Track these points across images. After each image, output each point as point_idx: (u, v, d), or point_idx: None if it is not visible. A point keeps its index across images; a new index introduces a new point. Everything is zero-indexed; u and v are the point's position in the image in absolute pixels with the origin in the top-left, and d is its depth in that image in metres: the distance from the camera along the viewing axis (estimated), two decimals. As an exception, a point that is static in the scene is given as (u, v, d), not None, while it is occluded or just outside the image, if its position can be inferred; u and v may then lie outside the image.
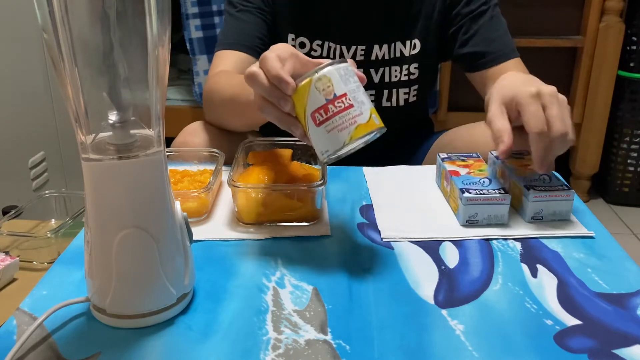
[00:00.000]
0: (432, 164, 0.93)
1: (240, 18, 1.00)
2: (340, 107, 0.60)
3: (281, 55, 0.63)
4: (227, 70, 0.95)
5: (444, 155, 0.82)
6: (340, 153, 0.62)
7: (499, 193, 0.71)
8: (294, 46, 1.03)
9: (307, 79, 0.60)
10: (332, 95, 0.60)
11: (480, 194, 0.71)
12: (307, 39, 1.02)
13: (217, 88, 0.92)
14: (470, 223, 0.72)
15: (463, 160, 0.81)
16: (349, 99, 0.60)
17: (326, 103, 0.60)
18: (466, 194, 0.71)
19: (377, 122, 0.61)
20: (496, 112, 0.73)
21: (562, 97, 0.71)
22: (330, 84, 0.60)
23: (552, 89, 0.71)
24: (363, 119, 0.60)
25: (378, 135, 0.63)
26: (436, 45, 1.05)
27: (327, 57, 1.03)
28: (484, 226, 0.72)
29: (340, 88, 0.60)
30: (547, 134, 0.68)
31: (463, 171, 0.77)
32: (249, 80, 0.64)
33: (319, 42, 1.02)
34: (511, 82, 0.78)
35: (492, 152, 0.80)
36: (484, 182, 0.74)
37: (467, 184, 0.74)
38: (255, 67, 0.64)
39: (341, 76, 0.60)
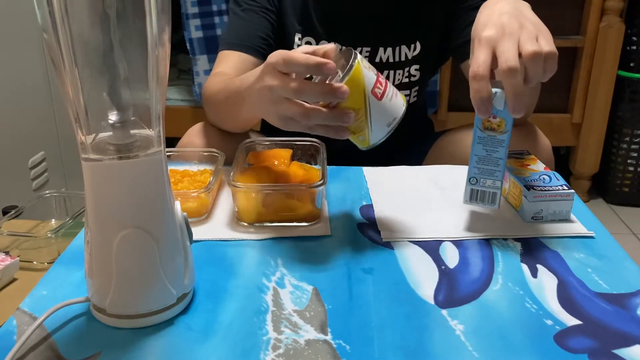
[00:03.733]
0: (432, 164, 0.93)
1: (245, 17, 1.00)
2: (383, 78, 0.64)
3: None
4: (225, 72, 0.95)
5: None
6: (402, 117, 0.65)
7: (563, 189, 0.72)
8: (300, 45, 1.03)
9: (355, 63, 0.62)
10: (374, 70, 0.64)
11: (545, 190, 0.72)
12: (313, 39, 1.02)
13: (211, 92, 0.93)
14: (535, 220, 0.73)
15: (517, 159, 0.81)
16: (380, 74, 0.65)
17: (377, 77, 0.63)
18: (532, 191, 0.72)
19: None
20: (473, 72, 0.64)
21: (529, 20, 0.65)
22: (368, 63, 0.64)
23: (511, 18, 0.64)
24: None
25: None
26: (437, 46, 1.05)
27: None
28: (548, 222, 0.73)
29: (372, 66, 0.64)
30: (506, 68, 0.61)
31: (521, 169, 0.77)
32: (299, 96, 0.63)
33: (325, 42, 1.02)
34: (481, 22, 0.69)
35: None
36: (544, 178, 0.74)
37: (528, 180, 0.74)
38: (294, 82, 0.62)
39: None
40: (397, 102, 0.64)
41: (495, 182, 0.69)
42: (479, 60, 0.63)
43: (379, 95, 0.63)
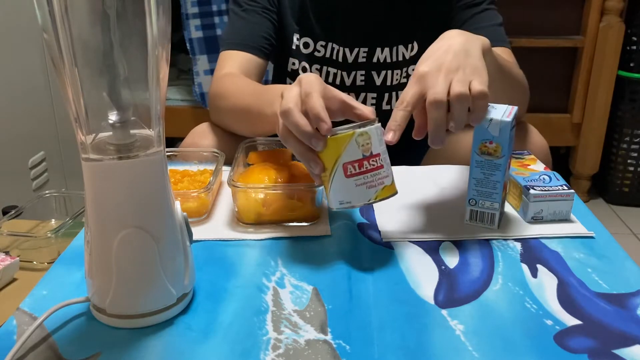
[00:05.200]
0: (431, 165, 0.93)
1: (246, 18, 1.00)
2: (373, 165, 0.63)
3: (322, 94, 0.63)
4: (234, 72, 0.95)
5: None
6: (359, 207, 0.63)
7: (563, 189, 0.72)
8: (298, 46, 1.03)
9: (350, 131, 0.61)
10: (369, 152, 0.62)
11: (545, 190, 0.72)
12: (311, 40, 1.02)
13: (225, 94, 0.92)
14: (535, 220, 0.73)
15: (518, 159, 0.81)
16: (381, 160, 0.63)
17: (362, 158, 0.62)
18: (532, 191, 0.72)
19: (396, 186, 0.65)
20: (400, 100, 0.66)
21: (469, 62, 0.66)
22: (369, 142, 0.62)
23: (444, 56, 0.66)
24: (388, 181, 0.64)
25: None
26: None
27: (330, 57, 1.03)
28: (548, 222, 0.73)
29: (376, 148, 0.63)
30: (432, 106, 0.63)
31: (520, 169, 0.77)
32: (283, 116, 0.63)
33: (323, 43, 1.02)
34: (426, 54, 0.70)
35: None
36: (544, 178, 0.74)
37: (528, 180, 0.74)
38: (291, 104, 0.63)
39: (378, 136, 0.63)
40: (364, 192, 0.63)
41: (493, 203, 0.70)
42: (407, 93, 0.65)
43: (348, 173, 0.62)
